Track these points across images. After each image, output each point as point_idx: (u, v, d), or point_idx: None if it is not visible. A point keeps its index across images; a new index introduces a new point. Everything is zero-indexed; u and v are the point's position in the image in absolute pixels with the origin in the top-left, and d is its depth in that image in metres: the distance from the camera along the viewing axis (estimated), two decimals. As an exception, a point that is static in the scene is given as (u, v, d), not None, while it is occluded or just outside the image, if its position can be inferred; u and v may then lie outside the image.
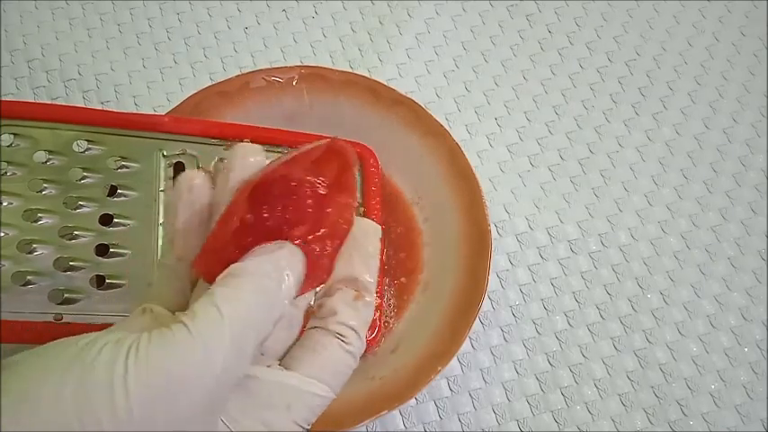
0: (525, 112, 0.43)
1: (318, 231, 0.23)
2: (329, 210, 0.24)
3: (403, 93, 0.38)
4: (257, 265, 0.21)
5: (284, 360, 0.22)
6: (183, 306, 0.23)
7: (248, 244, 0.22)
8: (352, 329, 0.23)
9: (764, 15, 0.48)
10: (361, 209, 0.35)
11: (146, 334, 0.18)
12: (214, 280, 0.21)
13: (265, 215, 0.23)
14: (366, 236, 0.25)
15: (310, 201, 0.23)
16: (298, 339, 0.23)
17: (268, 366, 0.22)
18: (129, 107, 0.42)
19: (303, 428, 0.21)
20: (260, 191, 0.23)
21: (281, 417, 0.21)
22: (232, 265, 0.21)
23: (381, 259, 0.34)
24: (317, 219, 0.23)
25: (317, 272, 0.23)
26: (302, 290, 0.23)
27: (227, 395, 0.19)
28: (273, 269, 0.21)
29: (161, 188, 0.29)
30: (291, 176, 0.23)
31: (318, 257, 0.23)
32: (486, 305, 0.37)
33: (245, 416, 0.20)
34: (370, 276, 0.24)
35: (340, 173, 0.25)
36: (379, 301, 0.33)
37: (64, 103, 0.42)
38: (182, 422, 0.17)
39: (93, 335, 0.18)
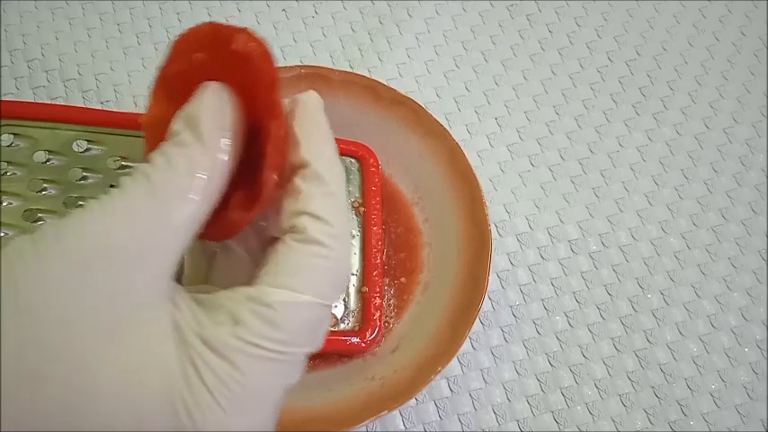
0: (525, 112, 0.43)
1: None
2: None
3: (403, 93, 0.38)
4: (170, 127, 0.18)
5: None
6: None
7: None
8: (310, 215, 0.19)
9: (765, 15, 0.48)
10: (362, 208, 0.35)
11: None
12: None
13: None
14: (306, 111, 0.21)
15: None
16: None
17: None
18: (128, 107, 0.42)
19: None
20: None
21: (231, 333, 0.17)
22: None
23: (380, 267, 0.34)
24: None
25: (261, 190, 0.19)
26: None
27: (165, 266, 0.17)
28: (182, 118, 0.18)
29: (161, 188, 0.29)
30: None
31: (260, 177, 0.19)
32: (486, 305, 0.37)
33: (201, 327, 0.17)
34: (325, 160, 0.20)
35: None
36: (380, 301, 0.33)
37: (64, 103, 0.42)
38: (112, 281, 0.16)
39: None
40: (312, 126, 0.20)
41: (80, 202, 0.27)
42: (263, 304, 0.17)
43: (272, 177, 0.19)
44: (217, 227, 0.20)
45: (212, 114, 0.18)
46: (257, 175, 0.19)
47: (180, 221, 0.17)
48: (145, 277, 0.17)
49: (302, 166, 0.19)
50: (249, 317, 0.17)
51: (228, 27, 0.19)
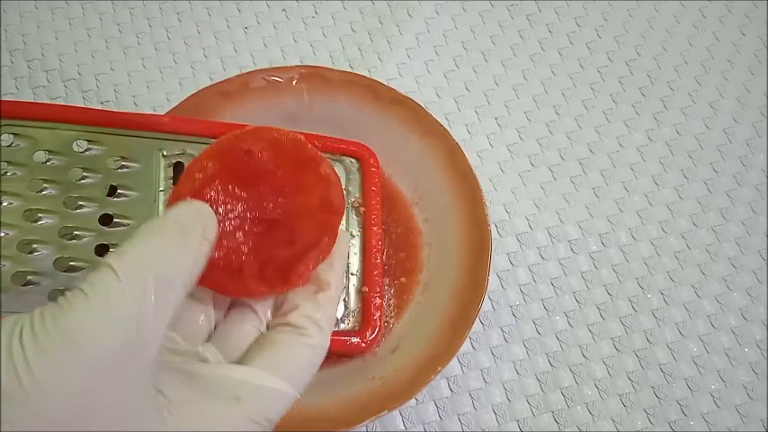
0: (525, 112, 0.43)
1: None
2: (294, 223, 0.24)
3: (403, 92, 0.38)
4: (153, 221, 0.20)
5: (240, 359, 0.22)
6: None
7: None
8: (315, 323, 0.22)
9: (765, 15, 0.47)
10: (362, 208, 0.35)
11: (40, 308, 0.17)
12: None
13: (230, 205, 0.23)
14: (341, 244, 0.25)
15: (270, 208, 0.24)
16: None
17: (222, 364, 0.21)
18: (128, 107, 0.42)
19: (262, 426, 0.21)
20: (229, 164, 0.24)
21: (230, 409, 0.20)
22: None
23: (380, 267, 0.34)
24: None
25: (293, 280, 0.23)
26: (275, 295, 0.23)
27: (148, 359, 0.18)
28: (171, 219, 0.20)
29: (161, 188, 0.29)
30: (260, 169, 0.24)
31: (296, 270, 0.23)
32: (486, 305, 0.37)
33: (190, 408, 0.19)
34: (332, 274, 0.24)
35: (294, 170, 0.25)
36: (380, 301, 0.33)
37: (64, 103, 0.42)
38: (96, 388, 0.17)
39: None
40: (342, 255, 0.25)
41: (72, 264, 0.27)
42: (265, 389, 0.21)
43: (307, 279, 0.23)
44: (230, 282, 0.22)
45: (196, 219, 0.21)
46: (291, 263, 0.23)
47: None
48: (129, 375, 0.18)
49: (324, 285, 0.24)
50: (252, 398, 0.20)
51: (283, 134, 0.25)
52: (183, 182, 0.23)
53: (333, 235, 0.24)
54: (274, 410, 0.21)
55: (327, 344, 0.23)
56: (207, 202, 0.23)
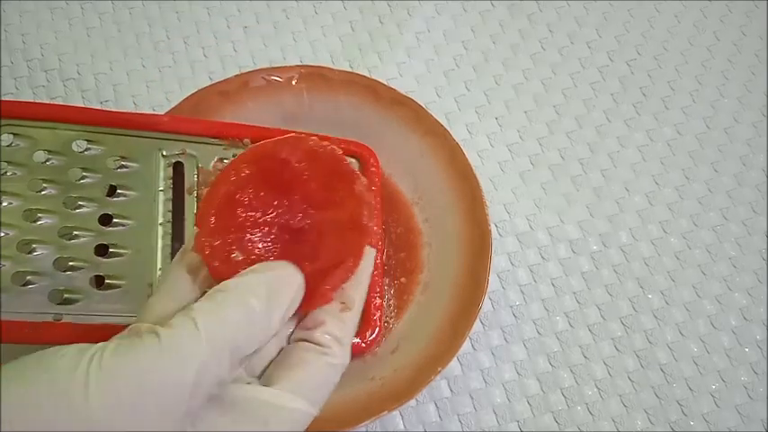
0: (526, 112, 0.43)
1: (329, 263, 0.23)
2: (348, 240, 0.24)
3: (403, 92, 0.38)
4: (247, 282, 0.21)
5: (265, 376, 0.22)
6: None
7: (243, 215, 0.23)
8: (338, 341, 0.23)
9: (765, 15, 0.47)
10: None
11: (113, 342, 0.18)
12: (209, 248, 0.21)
13: (273, 211, 0.23)
14: (367, 263, 0.25)
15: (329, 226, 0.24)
16: (279, 354, 0.23)
17: (247, 384, 0.21)
18: (128, 107, 0.42)
19: None
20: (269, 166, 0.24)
21: None
22: (223, 282, 0.21)
23: (380, 267, 0.34)
24: (334, 249, 0.24)
25: (315, 300, 0.23)
26: (297, 310, 0.23)
27: (197, 409, 0.19)
28: (265, 291, 0.21)
29: (160, 188, 0.29)
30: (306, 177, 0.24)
31: (320, 288, 0.23)
32: (486, 305, 0.37)
33: (218, 429, 0.20)
34: (357, 294, 0.24)
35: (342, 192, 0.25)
36: (380, 301, 0.33)
37: (63, 103, 0.41)
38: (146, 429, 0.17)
39: (69, 346, 0.18)
40: (367, 275, 0.25)
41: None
42: (290, 411, 0.21)
43: (330, 299, 0.23)
44: None
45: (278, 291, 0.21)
46: (314, 278, 0.23)
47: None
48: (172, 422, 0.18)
49: (350, 304, 0.24)
50: (278, 421, 0.21)
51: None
52: (217, 183, 0.23)
53: (358, 256, 0.24)
54: (297, 429, 0.21)
55: (347, 362, 0.23)
56: (239, 205, 0.23)
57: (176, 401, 0.18)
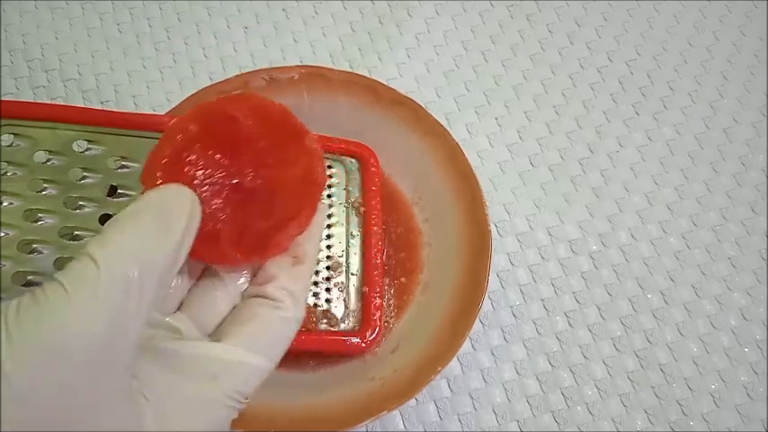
0: (525, 112, 0.43)
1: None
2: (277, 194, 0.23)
3: (403, 92, 0.38)
4: (137, 205, 0.19)
5: (215, 333, 0.22)
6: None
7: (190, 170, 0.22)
8: (291, 294, 0.22)
9: (765, 15, 0.47)
10: (362, 208, 0.35)
11: (17, 300, 0.17)
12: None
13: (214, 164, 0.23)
14: (321, 219, 0.25)
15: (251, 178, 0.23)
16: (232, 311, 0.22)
17: (197, 340, 0.21)
18: (128, 107, 0.42)
19: (239, 402, 0.20)
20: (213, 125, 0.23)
21: (209, 389, 0.20)
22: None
23: (380, 267, 0.34)
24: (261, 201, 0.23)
25: (270, 250, 0.23)
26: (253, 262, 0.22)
27: (128, 350, 0.18)
28: (157, 208, 0.19)
29: (161, 188, 0.29)
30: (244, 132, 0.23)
31: (274, 239, 0.23)
32: (486, 305, 0.37)
33: (167, 390, 0.19)
34: (309, 246, 0.24)
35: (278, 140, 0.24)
36: (380, 301, 0.33)
37: (64, 103, 0.41)
38: (77, 389, 0.16)
39: None
40: (319, 227, 0.25)
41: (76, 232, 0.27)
42: (240, 365, 0.20)
43: (285, 248, 0.23)
44: (205, 247, 0.21)
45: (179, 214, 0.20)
46: (269, 233, 0.22)
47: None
48: (107, 371, 0.17)
49: (302, 257, 0.23)
50: (229, 375, 0.20)
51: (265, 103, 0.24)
52: (163, 143, 0.23)
53: (313, 207, 0.24)
54: (250, 386, 0.21)
55: (302, 316, 0.23)
56: (186, 164, 0.22)
57: (93, 352, 0.16)
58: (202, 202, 0.22)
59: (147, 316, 0.18)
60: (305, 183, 0.24)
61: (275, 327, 0.22)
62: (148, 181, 0.22)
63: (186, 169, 0.22)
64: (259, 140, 0.24)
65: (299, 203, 0.23)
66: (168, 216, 0.19)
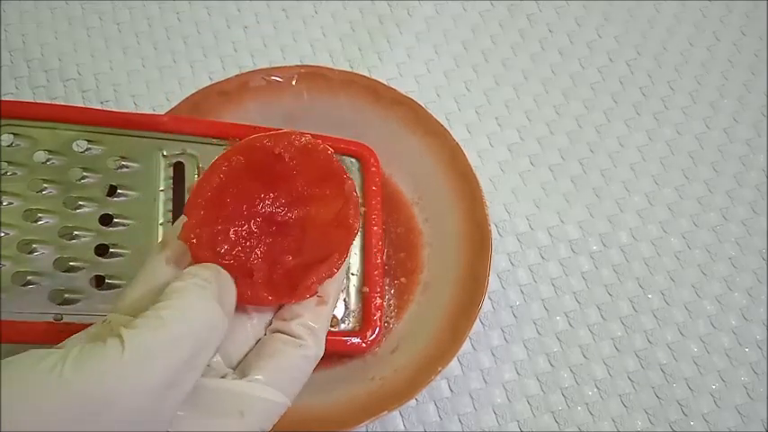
0: (526, 112, 0.43)
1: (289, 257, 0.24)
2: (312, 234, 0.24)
3: (403, 92, 0.38)
4: (200, 279, 0.21)
5: (240, 366, 0.22)
6: None
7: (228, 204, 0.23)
8: (313, 333, 0.23)
9: (765, 15, 0.47)
10: (362, 208, 0.35)
11: (76, 349, 0.17)
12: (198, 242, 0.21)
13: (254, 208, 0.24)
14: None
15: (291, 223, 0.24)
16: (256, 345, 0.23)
17: (222, 377, 0.21)
18: (128, 107, 0.42)
19: None
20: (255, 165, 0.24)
21: (235, 425, 0.20)
22: (172, 283, 0.21)
23: (380, 267, 0.34)
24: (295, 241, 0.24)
25: (300, 292, 0.23)
26: (265, 301, 0.23)
27: (171, 411, 0.19)
28: (218, 289, 0.21)
29: (161, 188, 0.29)
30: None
31: (305, 282, 0.23)
32: (486, 305, 0.37)
33: (192, 420, 0.20)
34: (333, 289, 0.25)
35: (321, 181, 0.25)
36: (380, 301, 0.33)
37: (63, 103, 0.41)
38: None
39: (25, 355, 0.18)
40: (343, 271, 0.25)
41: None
42: (264, 401, 0.21)
43: (314, 292, 0.24)
44: (241, 290, 0.22)
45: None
46: (297, 272, 0.23)
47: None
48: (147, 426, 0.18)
49: (326, 298, 0.24)
50: (253, 411, 0.21)
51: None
52: (210, 173, 0.23)
53: (342, 252, 0.24)
54: (271, 421, 0.22)
55: (321, 354, 0.24)
56: (228, 197, 0.23)
57: (145, 408, 0.17)
58: (237, 235, 0.23)
59: (191, 386, 0.19)
60: (336, 225, 0.24)
61: (297, 364, 0.23)
62: (191, 212, 0.23)
63: (228, 201, 0.23)
64: (298, 178, 0.25)
65: (329, 245, 0.24)
66: (225, 298, 0.21)
